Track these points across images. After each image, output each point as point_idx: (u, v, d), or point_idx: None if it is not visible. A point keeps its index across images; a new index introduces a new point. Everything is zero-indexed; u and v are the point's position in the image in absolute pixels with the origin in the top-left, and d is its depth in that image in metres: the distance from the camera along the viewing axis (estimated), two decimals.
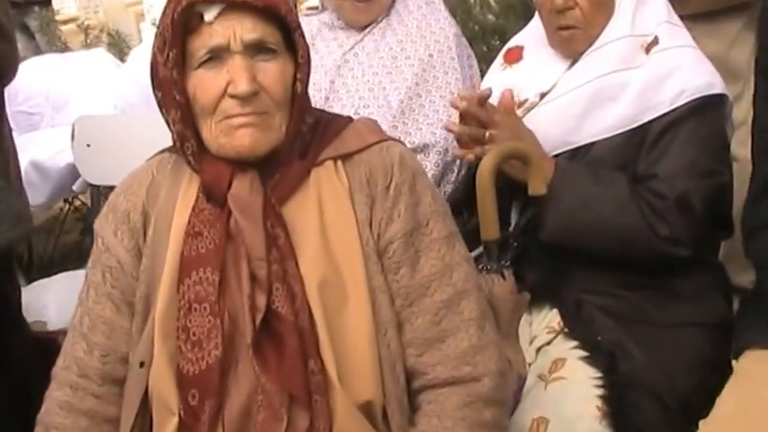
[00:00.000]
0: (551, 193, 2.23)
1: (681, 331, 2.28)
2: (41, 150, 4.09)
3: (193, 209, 1.86)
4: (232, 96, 1.79)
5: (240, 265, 1.80)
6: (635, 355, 2.21)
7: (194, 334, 1.79)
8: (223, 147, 1.82)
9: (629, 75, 2.30)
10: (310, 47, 2.65)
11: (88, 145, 3.60)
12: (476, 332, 1.85)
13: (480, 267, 2.18)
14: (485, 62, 4.56)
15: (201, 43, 1.79)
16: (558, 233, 2.27)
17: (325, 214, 1.85)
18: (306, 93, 1.89)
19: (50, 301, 3.26)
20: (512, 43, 2.56)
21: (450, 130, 2.35)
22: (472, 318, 1.87)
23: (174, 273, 1.83)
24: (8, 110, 4.36)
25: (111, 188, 4.06)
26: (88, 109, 4.11)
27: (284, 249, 1.80)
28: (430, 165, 2.62)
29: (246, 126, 1.80)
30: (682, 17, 2.41)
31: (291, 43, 1.85)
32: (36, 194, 4.04)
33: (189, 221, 1.85)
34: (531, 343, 2.32)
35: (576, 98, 2.32)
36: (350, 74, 2.68)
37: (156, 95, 1.85)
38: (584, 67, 2.34)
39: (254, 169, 1.84)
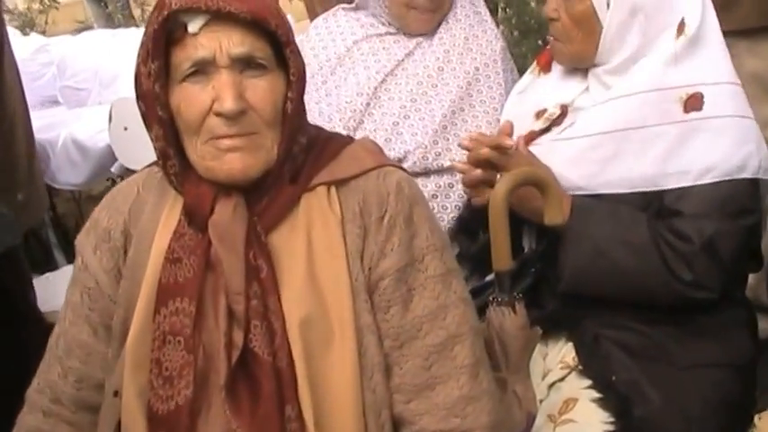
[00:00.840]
0: (568, 236, 2.09)
1: (702, 372, 2.13)
2: (83, 128, 4.02)
3: (175, 232, 1.73)
4: (218, 114, 1.65)
5: (218, 297, 1.68)
6: (651, 398, 2.07)
7: (167, 369, 1.68)
8: (212, 170, 1.69)
9: (660, 130, 2.11)
10: (354, 50, 2.53)
11: (125, 128, 3.52)
12: (468, 381, 1.72)
13: (491, 299, 2.03)
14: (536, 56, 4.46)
15: (186, 55, 1.66)
16: (575, 283, 2.13)
17: (313, 245, 1.72)
18: (299, 112, 1.75)
19: None
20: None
21: (458, 170, 2.22)
22: (465, 365, 1.73)
23: (150, 300, 1.71)
24: (57, 84, 4.34)
25: None
26: (131, 88, 3.99)
27: (266, 283, 1.67)
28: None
29: (235, 150, 1.67)
30: (725, 33, 2.21)
31: (284, 58, 1.71)
32: (76, 174, 3.99)
33: (169, 246, 1.72)
34: (543, 378, 2.19)
35: (598, 143, 2.15)
36: (393, 81, 2.54)
37: (139, 108, 1.73)
38: (613, 110, 2.17)
39: (240, 193, 1.71)
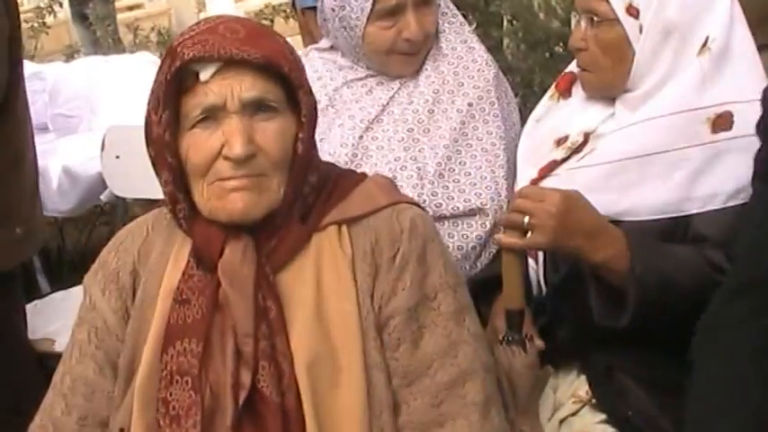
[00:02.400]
0: (632, 277, 2.00)
1: None
2: (73, 156, 4.01)
3: (183, 273, 1.77)
4: (226, 158, 1.70)
5: (226, 338, 1.71)
6: None
7: (174, 408, 1.71)
8: (215, 210, 1.73)
9: (686, 153, 2.09)
10: (336, 98, 2.48)
11: (117, 156, 3.53)
12: (478, 419, 1.74)
13: (500, 338, 2.03)
14: (545, 71, 4.42)
15: (196, 103, 1.71)
16: (639, 317, 2.03)
17: (322, 285, 1.75)
18: (309, 152, 1.79)
19: (62, 317, 3.13)
20: (569, 68, 2.38)
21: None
22: (476, 402, 1.75)
23: (159, 340, 1.75)
24: (48, 112, 4.35)
25: (138, 201, 4.03)
26: (125, 116, 3.99)
27: (275, 324, 1.71)
28: (482, 232, 2.39)
29: (239, 190, 1.72)
30: (760, 48, 2.19)
31: (295, 99, 1.75)
32: (65, 201, 4.00)
33: (178, 287, 1.76)
34: (554, 412, 2.17)
35: (620, 169, 2.13)
36: (380, 128, 2.46)
37: (149, 153, 1.77)
38: (637, 135, 2.14)
39: (249, 235, 1.75)
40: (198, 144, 1.71)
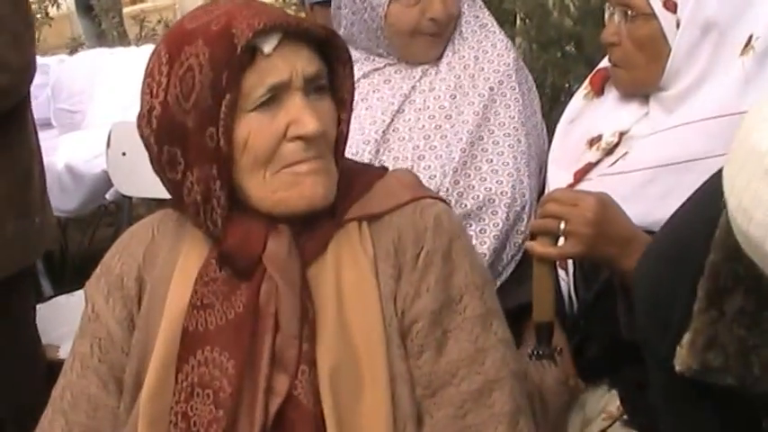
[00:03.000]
0: None
1: None
2: (77, 153, 3.93)
3: (201, 277, 1.65)
4: (296, 139, 1.59)
5: (262, 340, 1.59)
6: None
7: (195, 424, 1.60)
8: (284, 201, 1.61)
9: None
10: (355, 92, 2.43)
11: (123, 153, 3.44)
12: (506, 430, 1.63)
13: (529, 351, 1.95)
14: (557, 70, 4.38)
15: (260, 80, 1.58)
16: None
17: (343, 287, 1.64)
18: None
19: (67, 323, 3.03)
20: (602, 63, 2.30)
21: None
22: (504, 412, 1.64)
23: (167, 350, 1.64)
24: (51, 107, 4.28)
25: (144, 200, 3.97)
26: (132, 111, 3.92)
27: (312, 326, 1.61)
28: (500, 221, 2.34)
29: (316, 173, 1.61)
30: None
31: (331, 80, 1.66)
32: (68, 200, 3.93)
33: (195, 291, 1.64)
34: (582, 429, 2.10)
35: (655, 176, 2.04)
36: (402, 119, 2.41)
37: (168, 152, 1.61)
38: (674, 140, 2.06)
39: (287, 227, 1.64)
40: (260, 129, 1.58)
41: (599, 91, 2.26)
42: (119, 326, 1.70)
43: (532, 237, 2.01)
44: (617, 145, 2.14)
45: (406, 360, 1.63)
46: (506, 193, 2.32)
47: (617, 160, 2.12)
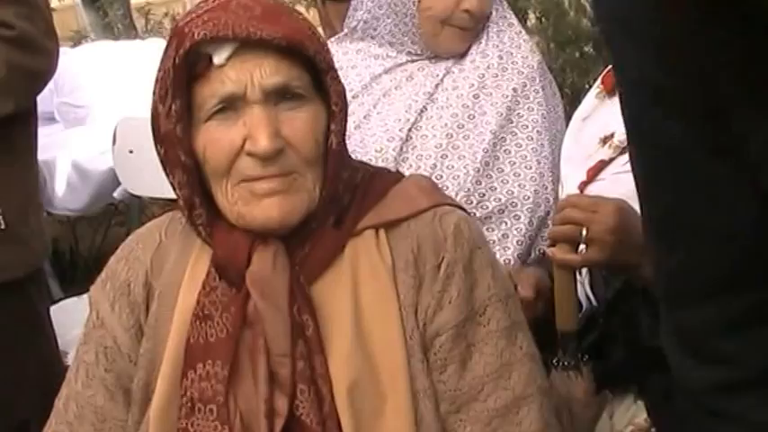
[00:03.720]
0: None
1: None
2: (83, 150, 3.89)
3: (204, 286, 1.59)
4: (250, 155, 1.52)
5: (257, 359, 1.53)
6: None
7: None
8: (243, 217, 1.55)
9: None
10: (373, 86, 2.37)
11: (131, 151, 3.39)
12: None
13: (553, 362, 1.89)
14: (576, 70, 4.35)
15: (211, 91, 1.52)
16: None
17: (361, 298, 1.57)
18: (342, 145, 1.61)
19: (76, 327, 2.97)
20: None
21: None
22: (532, 431, 1.58)
23: (176, 362, 1.58)
24: (55, 101, 4.23)
25: (154, 199, 3.92)
26: (138, 106, 3.87)
27: (312, 342, 1.54)
28: (523, 226, 2.29)
29: (273, 194, 1.53)
30: None
31: (322, 86, 1.58)
32: (75, 198, 3.88)
33: (198, 301, 1.58)
34: None
35: None
36: (425, 116, 2.35)
37: (157, 152, 1.59)
38: None
39: (278, 240, 1.57)
40: (216, 140, 1.53)
41: (611, 90, 2.21)
42: (126, 334, 1.64)
43: (551, 244, 1.96)
44: None
45: (428, 374, 1.57)
46: (528, 197, 2.28)
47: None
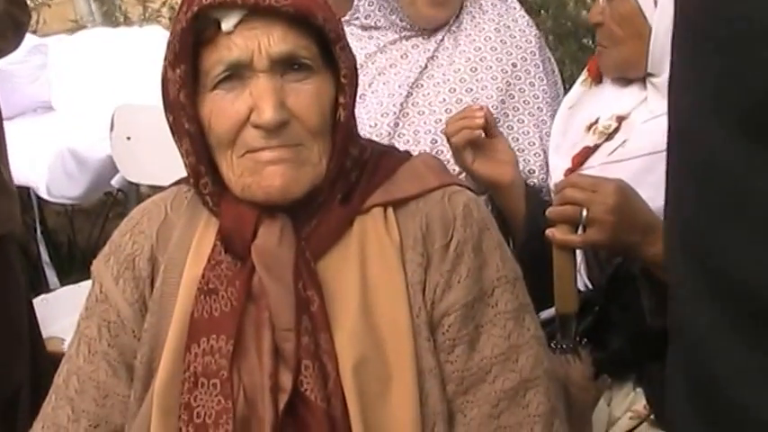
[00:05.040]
0: None
1: None
2: (80, 137, 3.88)
3: (209, 260, 1.59)
4: (256, 126, 1.52)
5: (262, 333, 1.53)
6: None
7: (199, 416, 1.53)
8: (249, 187, 1.55)
9: None
10: (368, 64, 2.38)
11: (128, 138, 3.39)
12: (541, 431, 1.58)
13: (552, 345, 1.88)
14: (575, 63, 4.35)
15: (218, 58, 1.53)
16: None
17: (368, 276, 1.57)
18: (351, 119, 1.61)
19: (72, 314, 2.96)
20: None
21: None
22: (539, 413, 1.59)
23: (181, 337, 1.57)
24: (52, 89, 4.24)
25: (152, 187, 3.92)
26: (136, 93, 3.89)
27: (318, 318, 1.53)
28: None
29: (277, 163, 1.53)
30: None
31: (332, 57, 1.57)
32: (73, 186, 3.88)
33: (203, 275, 1.58)
34: (608, 429, 2.03)
35: (654, 162, 1.98)
36: (420, 93, 2.36)
37: (167, 118, 1.59)
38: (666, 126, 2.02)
39: (285, 214, 1.57)
40: (221, 109, 1.53)
41: (597, 78, 2.25)
42: (130, 308, 1.63)
43: (551, 224, 1.96)
44: (617, 131, 2.12)
45: (435, 353, 1.57)
46: (533, 171, 2.28)
47: (617, 148, 2.10)
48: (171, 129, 1.58)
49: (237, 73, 1.52)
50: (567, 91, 3.58)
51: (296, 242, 1.56)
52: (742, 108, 0.65)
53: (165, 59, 1.56)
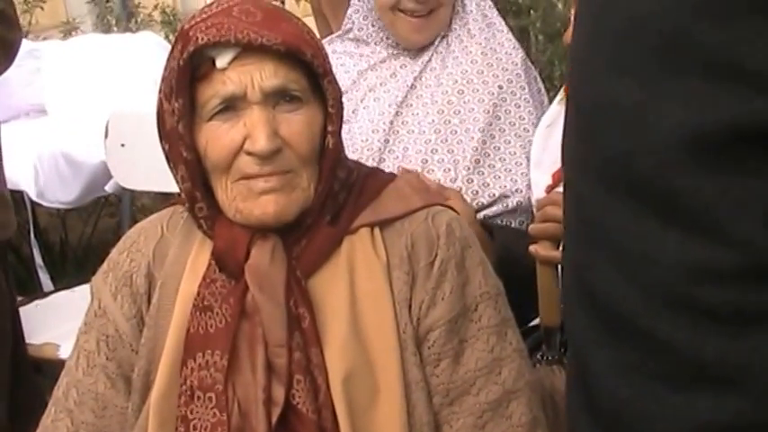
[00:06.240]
0: None
1: None
2: (74, 142, 3.93)
3: (204, 278, 1.67)
4: (250, 154, 1.61)
5: (255, 349, 1.61)
6: None
7: (195, 427, 1.61)
8: (241, 212, 1.64)
9: None
10: (360, 81, 2.45)
11: (122, 144, 3.43)
12: None
13: (538, 356, 1.98)
14: (564, 63, 4.38)
15: (213, 92, 1.61)
16: None
17: (357, 293, 1.66)
18: (339, 145, 1.70)
19: (67, 320, 3.00)
20: None
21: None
22: (521, 424, 1.67)
23: (177, 351, 1.65)
24: (46, 93, 4.28)
25: (146, 193, 3.97)
26: (130, 100, 3.94)
27: (308, 333, 1.62)
28: (514, 223, 2.37)
29: (269, 192, 1.62)
30: None
31: (320, 88, 1.66)
32: (66, 191, 3.93)
33: (198, 293, 1.66)
34: None
35: None
36: (410, 112, 2.42)
37: (162, 147, 1.68)
38: None
39: (277, 235, 1.66)
40: (217, 138, 1.61)
41: None
42: (128, 323, 1.71)
43: (534, 241, 2.02)
44: None
45: (421, 367, 1.65)
46: (521, 191, 2.34)
47: None
48: (166, 156, 1.67)
49: (232, 105, 1.61)
50: (554, 91, 3.62)
51: (287, 262, 1.64)
52: (596, 165, 0.82)
53: (161, 92, 1.65)
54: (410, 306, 1.66)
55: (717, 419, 0.79)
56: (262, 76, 1.60)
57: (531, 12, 4.72)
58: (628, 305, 0.80)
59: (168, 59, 1.64)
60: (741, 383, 0.78)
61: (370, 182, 1.75)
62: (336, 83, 1.69)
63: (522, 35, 4.49)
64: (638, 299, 0.80)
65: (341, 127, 1.69)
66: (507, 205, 2.34)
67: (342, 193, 1.70)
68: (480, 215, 2.31)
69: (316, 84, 1.65)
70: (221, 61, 1.59)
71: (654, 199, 0.77)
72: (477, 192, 2.32)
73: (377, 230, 1.69)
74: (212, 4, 1.69)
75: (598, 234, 0.82)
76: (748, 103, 0.74)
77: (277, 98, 1.62)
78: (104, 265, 1.78)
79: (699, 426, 0.79)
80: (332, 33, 2.70)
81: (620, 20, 0.80)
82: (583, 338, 0.86)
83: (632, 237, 0.79)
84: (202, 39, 1.58)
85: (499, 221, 2.32)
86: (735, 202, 0.75)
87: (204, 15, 1.64)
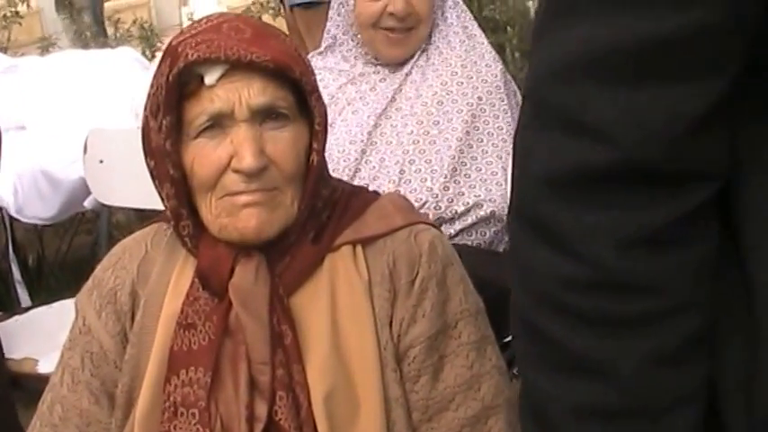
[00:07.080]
0: None
1: None
2: (53, 159, 3.94)
3: (188, 296, 1.69)
4: (236, 171, 1.62)
5: (238, 367, 1.64)
6: None
7: None
8: (225, 228, 1.65)
9: None
10: (338, 96, 2.49)
11: (101, 161, 3.44)
12: None
13: (515, 372, 1.99)
14: None
15: (201, 109, 1.62)
16: None
17: (338, 311, 1.68)
18: (323, 163, 1.73)
19: (45, 335, 3.04)
20: None
21: None
22: None
23: (161, 368, 1.67)
24: (24, 110, 4.28)
25: (121, 209, 3.97)
26: (109, 116, 3.96)
27: (291, 351, 1.64)
28: (488, 232, 2.42)
29: (252, 205, 1.63)
30: None
31: (306, 106, 1.68)
32: (45, 207, 3.93)
33: (182, 310, 1.68)
34: None
35: None
36: (389, 123, 2.48)
37: (147, 164, 1.69)
38: None
39: (261, 253, 1.68)
40: (204, 155, 1.63)
41: None
42: (112, 340, 1.73)
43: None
44: None
45: (401, 384, 1.67)
46: (494, 200, 2.39)
47: None
48: (151, 174, 1.68)
49: (219, 122, 1.62)
50: None
51: (270, 279, 1.66)
52: (512, 197, 1.06)
53: (146, 109, 1.66)
54: (391, 323, 1.68)
55: (591, 403, 1.02)
56: (250, 93, 1.61)
57: (509, 28, 4.75)
58: (527, 309, 1.05)
59: (155, 76, 1.65)
60: (607, 376, 1.00)
61: (353, 200, 1.77)
62: (323, 100, 1.71)
63: (499, 52, 4.53)
64: (533, 304, 1.04)
65: (325, 144, 1.71)
66: (481, 214, 2.38)
67: (325, 210, 1.72)
68: (456, 224, 2.36)
69: (302, 101, 1.67)
70: (210, 78, 1.61)
71: (532, 224, 1.00)
72: (452, 200, 2.37)
73: (359, 248, 1.71)
74: (201, 20, 1.70)
75: (511, 254, 1.07)
76: (590, 151, 0.95)
77: (264, 115, 1.63)
78: (89, 282, 1.80)
79: (577, 407, 1.03)
80: (305, 51, 2.74)
81: (525, 89, 1.05)
82: (515, 337, 1.12)
83: (525, 255, 1.03)
84: (192, 55, 1.59)
85: (474, 231, 2.36)
86: (587, 229, 0.97)
87: (193, 32, 1.64)
